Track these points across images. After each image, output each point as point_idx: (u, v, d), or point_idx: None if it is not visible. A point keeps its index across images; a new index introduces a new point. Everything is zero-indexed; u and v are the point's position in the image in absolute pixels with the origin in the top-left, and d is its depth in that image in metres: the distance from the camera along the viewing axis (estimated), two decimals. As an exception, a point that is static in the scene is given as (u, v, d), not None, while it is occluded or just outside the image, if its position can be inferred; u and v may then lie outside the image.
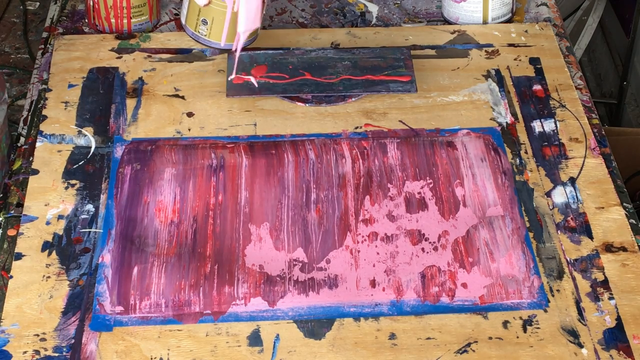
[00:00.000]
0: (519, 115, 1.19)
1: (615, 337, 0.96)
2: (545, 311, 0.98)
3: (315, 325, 0.97)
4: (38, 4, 2.59)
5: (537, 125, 1.18)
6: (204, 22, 1.14)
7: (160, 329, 0.96)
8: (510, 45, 1.29)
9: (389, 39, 1.30)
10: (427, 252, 1.03)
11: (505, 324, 0.97)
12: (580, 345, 0.95)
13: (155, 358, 0.94)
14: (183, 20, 1.20)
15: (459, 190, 1.10)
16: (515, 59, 1.27)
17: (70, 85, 1.22)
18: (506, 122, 1.18)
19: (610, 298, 0.99)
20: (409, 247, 1.04)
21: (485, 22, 1.32)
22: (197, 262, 1.02)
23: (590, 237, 1.05)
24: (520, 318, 0.98)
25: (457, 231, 1.05)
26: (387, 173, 1.12)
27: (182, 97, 1.21)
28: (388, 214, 1.07)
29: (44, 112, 1.18)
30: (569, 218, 1.07)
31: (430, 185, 1.10)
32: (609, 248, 1.04)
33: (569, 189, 1.10)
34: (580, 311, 0.98)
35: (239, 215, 1.06)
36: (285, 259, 1.03)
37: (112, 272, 1.01)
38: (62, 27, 1.33)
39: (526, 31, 1.31)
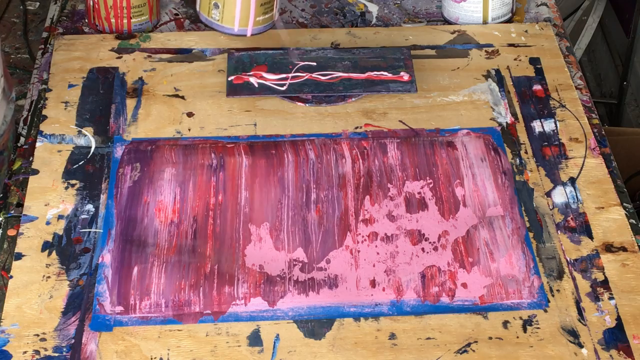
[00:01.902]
0: (519, 115, 1.19)
1: (615, 337, 0.96)
2: (545, 311, 0.98)
3: (315, 325, 0.97)
4: (38, 4, 2.59)
5: (537, 125, 1.18)
6: (216, 6, 1.14)
7: (160, 329, 0.96)
8: (510, 45, 1.29)
9: (389, 39, 1.30)
10: (427, 252, 1.03)
11: (505, 324, 0.97)
12: (580, 345, 0.95)
13: (155, 358, 0.94)
14: (197, 7, 1.20)
15: (459, 190, 1.10)
16: (515, 59, 1.27)
17: (70, 85, 1.22)
18: (506, 122, 1.18)
19: (610, 298, 0.99)
20: (409, 247, 1.04)
21: (485, 22, 1.32)
22: (197, 262, 1.02)
23: (590, 237, 1.05)
24: (520, 318, 0.98)
25: (457, 231, 1.05)
26: (387, 173, 1.12)
27: (182, 97, 1.21)
28: (388, 214, 1.07)
29: (44, 112, 1.18)
30: (569, 218, 1.07)
31: (430, 185, 1.10)
32: (609, 248, 1.04)
33: (569, 189, 1.11)
34: (580, 311, 0.98)
35: (239, 215, 1.06)
36: (285, 259, 1.03)
37: (112, 272, 1.01)
38: (62, 27, 1.33)
39: (526, 31, 1.31)
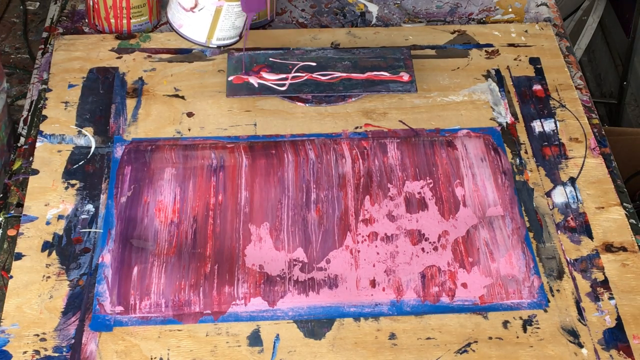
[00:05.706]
0: (519, 115, 1.19)
1: (615, 337, 0.96)
2: (545, 311, 0.98)
3: (315, 325, 0.97)
4: (38, 4, 2.59)
5: (537, 125, 1.18)
6: None
7: (160, 329, 0.96)
8: (510, 45, 1.29)
9: (389, 39, 1.30)
10: (427, 252, 1.03)
11: (505, 324, 0.97)
12: (580, 345, 0.95)
13: (155, 358, 0.94)
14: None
15: (459, 190, 1.10)
16: (515, 59, 1.27)
17: (70, 85, 1.22)
18: (506, 122, 1.18)
19: (610, 298, 0.99)
20: (409, 247, 1.04)
21: (210, 41, 1.22)
22: (197, 262, 1.02)
23: (590, 237, 1.05)
24: (520, 318, 0.98)
25: (457, 231, 1.05)
26: (387, 173, 1.12)
27: (182, 97, 1.21)
28: (388, 214, 1.07)
29: (44, 112, 1.18)
30: (569, 218, 1.07)
31: (430, 185, 1.10)
32: (609, 248, 1.04)
33: (569, 189, 1.11)
34: (580, 311, 0.98)
35: (239, 215, 1.06)
36: (285, 259, 1.03)
37: (112, 272, 1.01)
38: (62, 27, 1.33)
39: (526, 31, 1.31)
